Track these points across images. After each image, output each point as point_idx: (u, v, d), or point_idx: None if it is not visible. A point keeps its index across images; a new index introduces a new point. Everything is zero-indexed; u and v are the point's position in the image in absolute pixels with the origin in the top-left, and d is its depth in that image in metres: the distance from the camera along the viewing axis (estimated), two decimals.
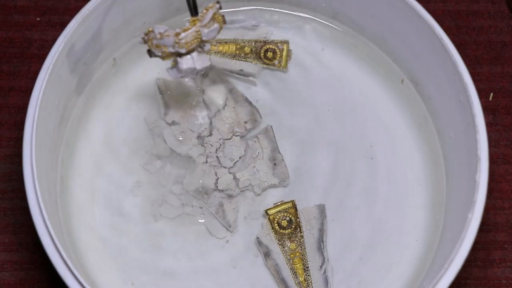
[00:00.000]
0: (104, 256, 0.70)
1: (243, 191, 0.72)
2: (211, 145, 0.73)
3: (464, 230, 0.62)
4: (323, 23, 0.78)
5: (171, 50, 0.63)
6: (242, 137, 0.74)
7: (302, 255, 0.70)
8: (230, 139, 0.73)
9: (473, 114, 0.65)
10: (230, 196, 0.72)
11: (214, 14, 0.62)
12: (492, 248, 0.75)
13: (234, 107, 0.75)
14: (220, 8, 0.63)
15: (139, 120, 0.75)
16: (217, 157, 0.73)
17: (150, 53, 0.64)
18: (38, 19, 0.82)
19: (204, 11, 0.62)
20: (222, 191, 0.72)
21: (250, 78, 0.76)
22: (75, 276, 0.60)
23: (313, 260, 0.70)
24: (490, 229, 0.75)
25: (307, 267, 0.69)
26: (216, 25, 0.62)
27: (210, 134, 0.73)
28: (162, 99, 0.75)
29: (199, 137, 0.73)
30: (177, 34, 0.62)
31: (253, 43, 0.77)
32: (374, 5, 0.73)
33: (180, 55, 0.63)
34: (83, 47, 0.70)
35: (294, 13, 0.78)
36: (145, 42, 0.63)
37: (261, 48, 0.77)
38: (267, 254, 0.70)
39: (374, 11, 0.74)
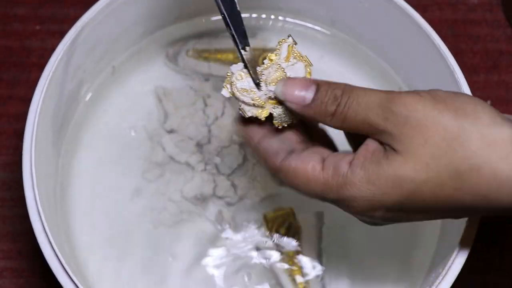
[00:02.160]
0: (104, 264, 0.70)
1: (242, 198, 0.72)
2: (209, 152, 0.73)
3: (462, 237, 0.62)
4: (322, 31, 0.78)
5: (259, 93, 0.54)
6: (240, 144, 0.74)
7: (301, 262, 0.70)
8: (228, 146, 0.74)
9: None
10: (228, 203, 0.72)
11: (290, 48, 0.56)
12: (490, 255, 0.75)
13: (232, 115, 0.75)
14: (295, 43, 0.56)
15: (138, 127, 0.75)
16: (215, 164, 0.73)
17: (244, 111, 0.55)
18: (38, 27, 0.82)
19: (278, 45, 0.56)
20: (220, 198, 0.72)
21: None
22: (74, 283, 0.60)
23: (311, 267, 0.70)
24: (488, 236, 0.75)
25: (306, 274, 0.70)
26: (299, 63, 0.55)
27: (209, 142, 0.74)
28: (161, 107, 0.75)
29: (198, 144, 0.74)
30: (259, 73, 0.55)
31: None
32: (372, 13, 0.73)
33: (276, 102, 0.55)
34: (82, 55, 0.70)
35: (293, 21, 0.78)
36: (232, 94, 0.55)
37: (259, 56, 0.77)
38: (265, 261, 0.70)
39: (372, 19, 0.74)
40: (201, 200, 0.72)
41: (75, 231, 0.70)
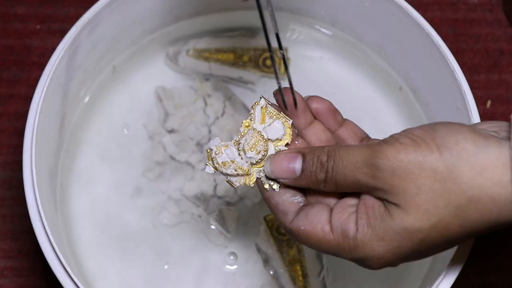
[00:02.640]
0: (104, 263, 0.70)
1: (242, 198, 0.72)
2: None
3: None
4: (322, 31, 0.78)
5: (241, 162, 0.55)
6: (241, 144, 0.74)
7: (301, 261, 0.70)
8: None
9: (471, 122, 0.66)
10: (229, 203, 0.72)
11: (264, 110, 0.56)
12: (490, 256, 0.75)
13: (233, 115, 0.75)
14: (269, 102, 0.56)
15: (139, 127, 0.75)
16: None
17: (231, 183, 0.55)
18: (38, 27, 0.82)
19: (251, 109, 0.56)
20: (221, 197, 0.72)
21: (249, 85, 0.77)
22: (75, 282, 0.60)
23: (311, 267, 0.70)
24: (488, 237, 0.75)
25: (306, 274, 0.70)
26: (275, 122, 0.55)
27: (209, 142, 0.74)
28: (162, 107, 0.75)
29: (198, 144, 0.74)
30: (237, 142, 0.55)
31: (252, 51, 0.77)
32: (372, 13, 0.73)
33: (260, 166, 0.55)
34: (82, 54, 0.70)
35: (293, 21, 0.78)
36: (215, 169, 0.55)
37: (260, 56, 0.77)
38: (266, 261, 0.70)
39: (373, 19, 0.74)
40: (202, 199, 0.72)
41: (75, 230, 0.71)
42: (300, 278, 0.69)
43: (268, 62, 0.77)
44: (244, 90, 0.77)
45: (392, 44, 0.74)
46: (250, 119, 0.56)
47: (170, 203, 0.72)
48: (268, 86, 0.77)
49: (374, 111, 0.76)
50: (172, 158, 0.73)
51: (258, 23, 0.78)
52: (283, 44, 0.78)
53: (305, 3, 0.77)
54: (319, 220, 0.52)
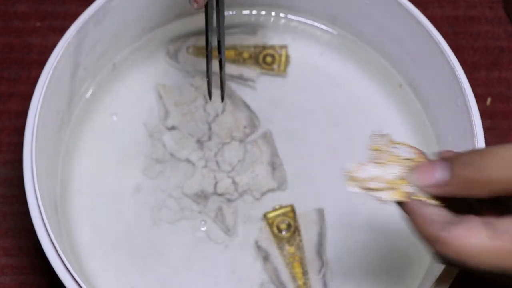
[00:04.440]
0: (104, 261, 0.70)
1: (242, 195, 0.72)
2: (210, 149, 0.73)
3: None
4: (322, 28, 0.78)
5: (386, 175, 0.54)
6: (241, 141, 0.74)
7: (301, 259, 0.70)
8: (229, 143, 0.74)
9: (471, 119, 0.66)
10: (229, 200, 0.72)
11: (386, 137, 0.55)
12: None
13: (233, 112, 0.75)
14: (392, 141, 0.55)
15: (139, 125, 0.75)
16: (216, 161, 0.73)
17: (383, 200, 0.54)
18: (39, 24, 0.82)
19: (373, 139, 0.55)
20: (221, 195, 0.72)
21: (249, 83, 0.77)
22: (75, 280, 0.60)
23: (312, 264, 0.70)
24: None
25: (306, 271, 0.70)
26: (402, 147, 0.55)
27: (210, 139, 0.74)
28: (162, 104, 0.75)
29: (198, 141, 0.74)
30: (372, 161, 0.54)
31: (252, 48, 0.77)
32: (372, 10, 0.73)
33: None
34: (83, 52, 0.70)
35: (293, 18, 0.78)
36: (362, 188, 0.54)
37: (260, 53, 0.77)
38: (266, 258, 0.70)
39: (373, 16, 0.74)
40: (202, 197, 0.72)
41: (76, 227, 0.71)
42: (300, 275, 0.70)
43: (268, 59, 0.77)
44: (244, 87, 0.77)
45: (392, 42, 0.74)
46: (376, 143, 0.55)
47: (170, 200, 0.72)
48: (268, 83, 0.77)
49: (374, 109, 0.76)
50: (172, 155, 0.73)
51: (257, 20, 0.79)
52: (283, 41, 0.78)
53: (305, 0, 0.77)
54: (476, 225, 0.48)
